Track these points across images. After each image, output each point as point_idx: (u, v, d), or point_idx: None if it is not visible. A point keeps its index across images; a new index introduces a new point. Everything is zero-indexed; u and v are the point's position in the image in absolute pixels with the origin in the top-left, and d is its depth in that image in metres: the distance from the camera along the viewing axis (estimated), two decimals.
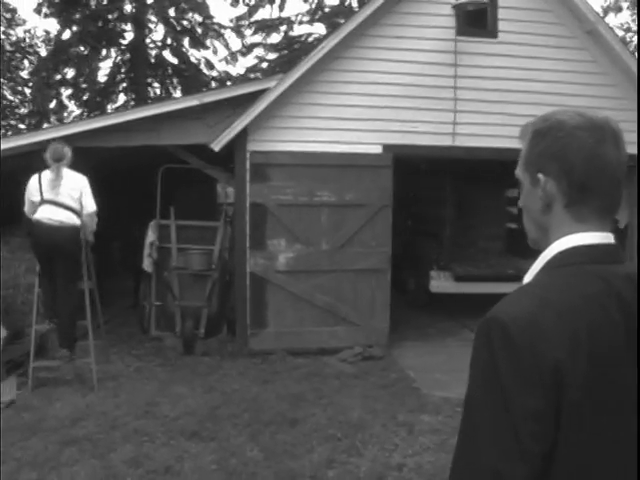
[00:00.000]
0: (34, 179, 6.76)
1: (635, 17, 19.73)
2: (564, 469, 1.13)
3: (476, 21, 8.46)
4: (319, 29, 21.76)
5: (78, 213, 6.74)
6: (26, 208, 6.90)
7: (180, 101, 8.62)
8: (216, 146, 8.03)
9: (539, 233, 1.34)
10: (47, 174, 6.73)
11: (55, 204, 6.64)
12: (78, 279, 7.03)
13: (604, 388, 1.13)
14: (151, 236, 9.19)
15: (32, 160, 7.39)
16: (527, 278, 1.31)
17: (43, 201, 6.68)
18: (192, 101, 8.30)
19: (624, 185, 1.27)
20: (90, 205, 6.79)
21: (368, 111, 8.30)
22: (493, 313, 1.18)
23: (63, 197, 6.67)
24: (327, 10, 21.18)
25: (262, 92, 8.14)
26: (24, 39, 19.48)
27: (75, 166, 7.13)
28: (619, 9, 23.59)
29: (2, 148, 7.89)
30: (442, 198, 11.57)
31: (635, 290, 1.19)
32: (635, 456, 1.14)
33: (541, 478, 1.11)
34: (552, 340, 1.12)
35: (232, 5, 21.44)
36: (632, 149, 7.70)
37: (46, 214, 6.63)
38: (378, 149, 8.38)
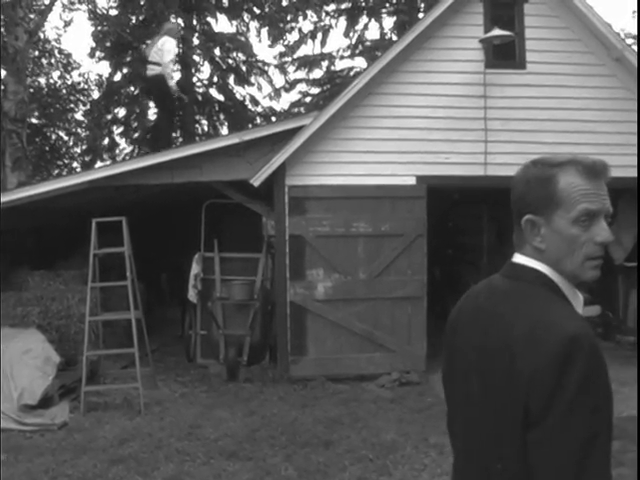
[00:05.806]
0: None
1: None
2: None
3: (504, 53, 8.68)
4: (360, 63, 22.19)
5: (158, 64, 9.96)
6: None
7: (222, 139, 9.03)
8: (256, 181, 8.38)
9: None
10: None
11: (146, 61, 10.42)
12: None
13: (455, 341, 1.83)
14: (196, 268, 9.56)
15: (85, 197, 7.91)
16: None
17: None
18: (233, 139, 8.71)
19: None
20: (167, 53, 9.99)
21: (401, 144, 8.55)
22: None
23: (149, 51, 10.34)
24: (368, 44, 21.59)
25: (299, 129, 8.45)
26: (79, 82, 20.39)
27: (126, 202, 7.62)
28: None
29: (56, 187, 8.43)
30: (480, 227, 11.75)
31: (490, 295, 1.77)
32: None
33: None
34: (451, 311, 1.90)
35: (270, 47, 22.07)
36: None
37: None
38: (412, 180, 8.60)
